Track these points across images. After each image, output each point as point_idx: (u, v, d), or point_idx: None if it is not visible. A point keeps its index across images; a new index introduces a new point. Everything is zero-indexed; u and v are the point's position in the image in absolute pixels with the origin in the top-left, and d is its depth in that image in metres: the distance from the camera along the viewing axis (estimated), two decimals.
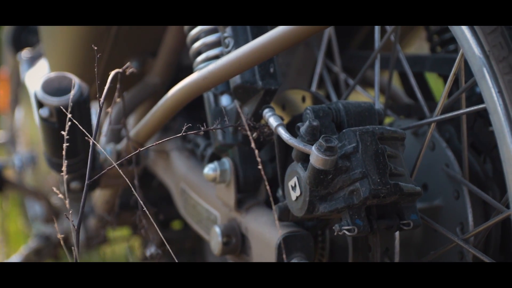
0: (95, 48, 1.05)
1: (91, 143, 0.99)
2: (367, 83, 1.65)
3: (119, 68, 1.15)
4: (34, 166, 2.10)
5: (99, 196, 1.68)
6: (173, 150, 1.41)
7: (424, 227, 1.21)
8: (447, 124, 1.25)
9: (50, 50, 1.58)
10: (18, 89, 2.43)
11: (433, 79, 1.62)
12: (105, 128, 1.45)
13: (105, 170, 0.99)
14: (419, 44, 1.80)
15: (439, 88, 1.46)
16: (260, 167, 1.04)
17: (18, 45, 2.35)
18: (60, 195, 1.03)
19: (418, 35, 1.65)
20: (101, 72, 1.49)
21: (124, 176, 1.00)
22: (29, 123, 2.09)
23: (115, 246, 2.18)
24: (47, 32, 1.55)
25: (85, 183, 0.98)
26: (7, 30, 2.42)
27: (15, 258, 2.16)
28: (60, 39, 1.51)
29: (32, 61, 2.10)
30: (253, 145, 1.03)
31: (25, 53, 2.15)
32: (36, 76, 2.01)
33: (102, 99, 1.01)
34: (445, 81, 1.36)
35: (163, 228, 1.36)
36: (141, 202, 1.00)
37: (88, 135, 1.00)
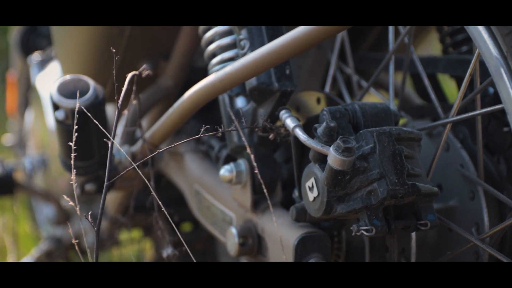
0: (113, 50, 1.06)
1: (109, 145, 1.00)
2: (378, 85, 1.66)
3: (132, 70, 1.16)
4: (44, 169, 2.11)
5: (111, 198, 1.69)
6: (187, 152, 1.42)
7: (439, 228, 1.21)
8: (461, 125, 1.26)
9: (62, 53, 1.59)
10: (27, 92, 2.44)
11: (442, 80, 1.63)
12: (119, 130, 1.45)
13: (125, 171, 1.00)
14: (423, 46, 1.80)
15: (448, 89, 1.47)
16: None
17: (26, 49, 2.36)
18: (68, 199, 1.04)
19: (429, 37, 1.65)
20: (113, 75, 1.50)
21: (144, 177, 1.01)
22: (39, 126, 2.09)
23: (126, 248, 2.19)
24: (60, 35, 1.56)
25: (104, 184, 0.99)
26: (15, 33, 2.43)
27: (27, 260, 2.17)
28: (73, 41, 1.51)
29: (43, 64, 2.11)
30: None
31: (35, 56, 2.16)
32: (47, 79, 2.02)
33: (120, 101, 1.02)
34: (457, 82, 1.37)
35: (172, 231, 1.36)
36: (160, 203, 1.01)
37: (109, 137, 1.00)
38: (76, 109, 1.12)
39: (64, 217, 2.08)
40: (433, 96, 1.24)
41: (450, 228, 1.16)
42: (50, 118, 1.95)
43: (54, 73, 2.01)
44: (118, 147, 1.03)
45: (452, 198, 1.21)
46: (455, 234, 1.19)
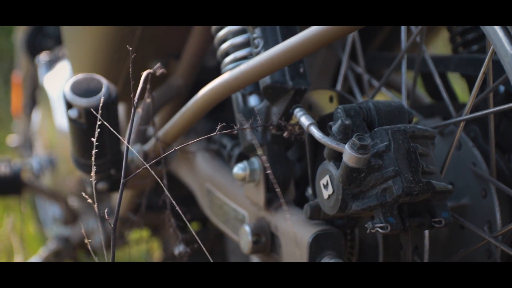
0: (130, 48, 1.06)
1: (125, 144, 1.00)
2: (387, 84, 1.66)
3: (143, 70, 1.17)
4: (52, 169, 2.11)
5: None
6: (198, 151, 1.42)
7: (450, 226, 1.22)
8: (472, 123, 1.26)
9: (73, 53, 1.59)
10: (34, 92, 2.45)
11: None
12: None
13: (141, 169, 1.00)
14: (432, 45, 1.81)
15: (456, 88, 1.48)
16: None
17: (32, 49, 2.37)
18: (87, 196, 1.04)
19: (438, 36, 1.66)
20: (124, 74, 1.51)
21: (156, 177, 1.02)
22: (47, 125, 2.10)
23: (132, 248, 2.19)
24: (70, 35, 1.57)
25: (121, 182, 0.99)
26: (21, 34, 2.43)
27: (35, 260, 2.17)
28: (84, 41, 1.52)
29: (50, 64, 2.12)
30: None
31: (43, 57, 2.17)
32: (55, 79, 2.03)
33: (135, 100, 1.02)
34: (468, 81, 1.38)
35: (182, 230, 1.37)
36: (173, 201, 1.01)
37: (120, 137, 1.01)
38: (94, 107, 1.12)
39: (72, 217, 2.08)
40: (445, 94, 1.25)
41: (461, 225, 1.17)
42: (59, 118, 1.95)
43: (63, 73, 2.01)
44: (130, 148, 1.03)
45: (464, 196, 1.21)
46: (467, 232, 1.19)
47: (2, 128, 3.99)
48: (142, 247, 2.25)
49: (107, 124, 1.03)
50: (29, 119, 2.55)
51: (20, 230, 2.40)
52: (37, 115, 2.32)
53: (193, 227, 1.97)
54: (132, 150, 1.06)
